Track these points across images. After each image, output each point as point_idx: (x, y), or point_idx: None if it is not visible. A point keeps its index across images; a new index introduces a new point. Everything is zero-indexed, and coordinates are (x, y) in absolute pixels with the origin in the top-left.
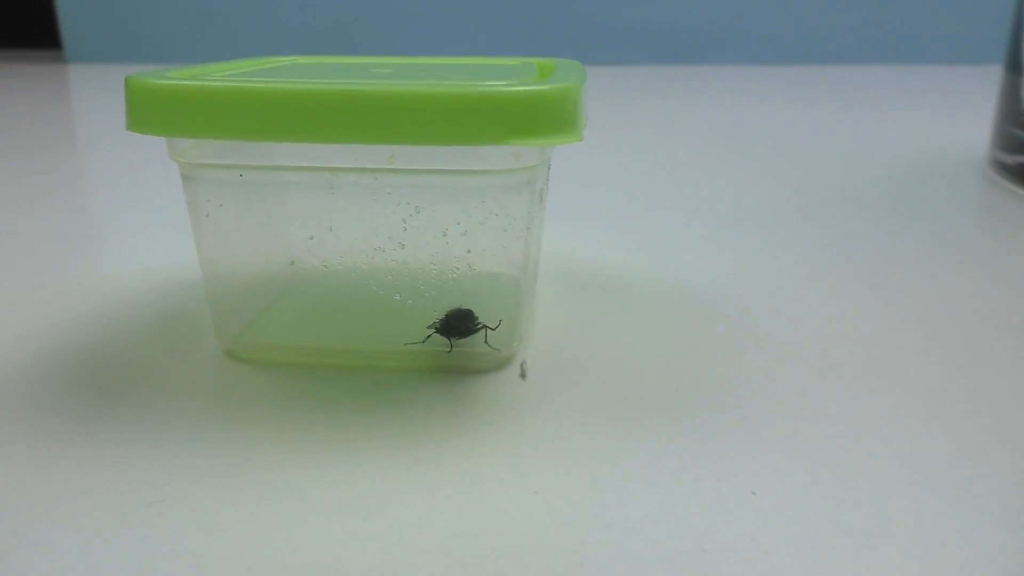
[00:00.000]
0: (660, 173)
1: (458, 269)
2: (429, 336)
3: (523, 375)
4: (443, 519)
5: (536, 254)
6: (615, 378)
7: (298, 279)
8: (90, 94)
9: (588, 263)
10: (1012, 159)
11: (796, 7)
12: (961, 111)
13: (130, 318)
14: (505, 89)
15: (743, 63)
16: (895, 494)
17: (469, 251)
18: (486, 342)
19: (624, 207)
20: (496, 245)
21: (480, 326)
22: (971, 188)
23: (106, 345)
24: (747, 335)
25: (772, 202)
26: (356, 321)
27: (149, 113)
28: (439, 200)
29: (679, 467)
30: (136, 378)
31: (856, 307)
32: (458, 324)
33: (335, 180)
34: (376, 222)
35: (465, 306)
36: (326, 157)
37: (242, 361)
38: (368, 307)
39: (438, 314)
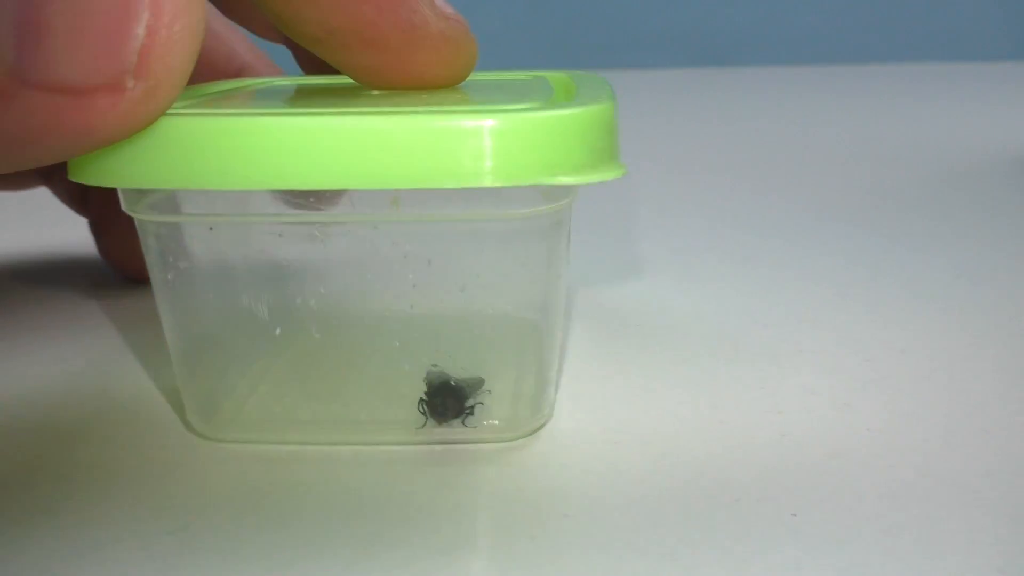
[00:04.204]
0: (685, 176)
1: (479, 329)
2: (424, 424)
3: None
4: None
5: (563, 302)
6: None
7: (284, 349)
8: None
9: (609, 293)
10: None
11: (831, 5)
12: (1007, 108)
13: (79, 392)
14: (535, 114)
15: (775, 64)
16: (947, 516)
17: (492, 308)
18: (464, 423)
19: (647, 214)
20: (523, 298)
21: (474, 403)
22: (1013, 188)
23: (49, 426)
24: (785, 345)
25: (810, 206)
26: (353, 393)
27: (93, 158)
28: (455, 250)
29: (715, 487)
30: (93, 469)
31: (900, 314)
32: (446, 403)
33: (326, 231)
34: (379, 279)
35: (471, 374)
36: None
37: (217, 442)
38: (369, 377)
39: (423, 391)
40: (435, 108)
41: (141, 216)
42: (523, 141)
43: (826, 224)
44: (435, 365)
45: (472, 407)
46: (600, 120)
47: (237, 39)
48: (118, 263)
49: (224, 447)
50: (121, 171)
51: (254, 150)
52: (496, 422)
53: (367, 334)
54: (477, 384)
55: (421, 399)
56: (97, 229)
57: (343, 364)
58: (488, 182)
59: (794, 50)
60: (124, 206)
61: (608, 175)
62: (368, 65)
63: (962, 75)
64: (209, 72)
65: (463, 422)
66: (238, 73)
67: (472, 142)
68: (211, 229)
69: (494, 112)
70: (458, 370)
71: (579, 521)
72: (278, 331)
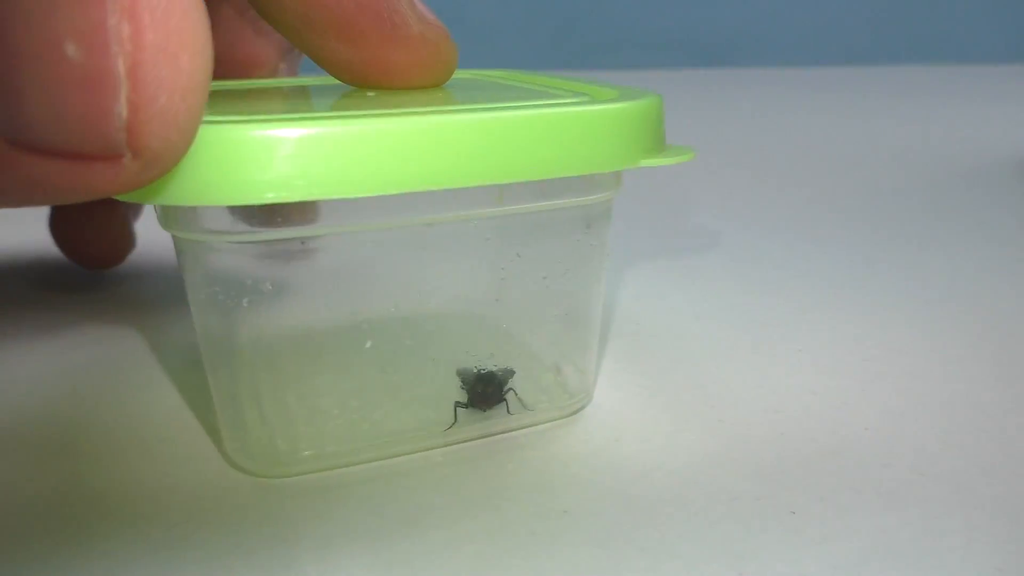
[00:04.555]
0: (683, 177)
1: (555, 315)
2: (452, 424)
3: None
4: None
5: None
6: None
7: (367, 365)
8: None
9: (607, 293)
10: None
11: (829, 7)
12: (1000, 111)
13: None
14: (635, 103)
15: (773, 65)
16: (945, 515)
17: (569, 293)
18: (508, 411)
19: (645, 214)
20: (589, 281)
21: (508, 389)
22: (1012, 191)
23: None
24: (784, 344)
25: (809, 206)
26: (434, 400)
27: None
28: (541, 239)
29: (714, 485)
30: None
31: (898, 315)
32: (487, 391)
33: (429, 233)
34: (471, 276)
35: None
36: (410, 205)
37: (267, 477)
38: (452, 379)
39: (461, 383)
40: (543, 103)
41: (220, 236)
42: (633, 129)
43: (824, 224)
44: (470, 354)
45: (507, 393)
46: (660, 111)
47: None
48: (76, 250)
49: (282, 482)
50: (247, 186)
51: (407, 151)
52: (534, 408)
53: (457, 337)
54: (509, 374)
55: (458, 400)
56: (57, 216)
57: (429, 367)
58: (605, 168)
59: (793, 52)
60: (177, 228)
61: (685, 156)
62: (346, 60)
63: (961, 77)
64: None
65: (508, 410)
66: (244, 60)
67: (595, 131)
68: (303, 244)
69: (608, 104)
70: (488, 363)
71: (578, 517)
72: (368, 344)
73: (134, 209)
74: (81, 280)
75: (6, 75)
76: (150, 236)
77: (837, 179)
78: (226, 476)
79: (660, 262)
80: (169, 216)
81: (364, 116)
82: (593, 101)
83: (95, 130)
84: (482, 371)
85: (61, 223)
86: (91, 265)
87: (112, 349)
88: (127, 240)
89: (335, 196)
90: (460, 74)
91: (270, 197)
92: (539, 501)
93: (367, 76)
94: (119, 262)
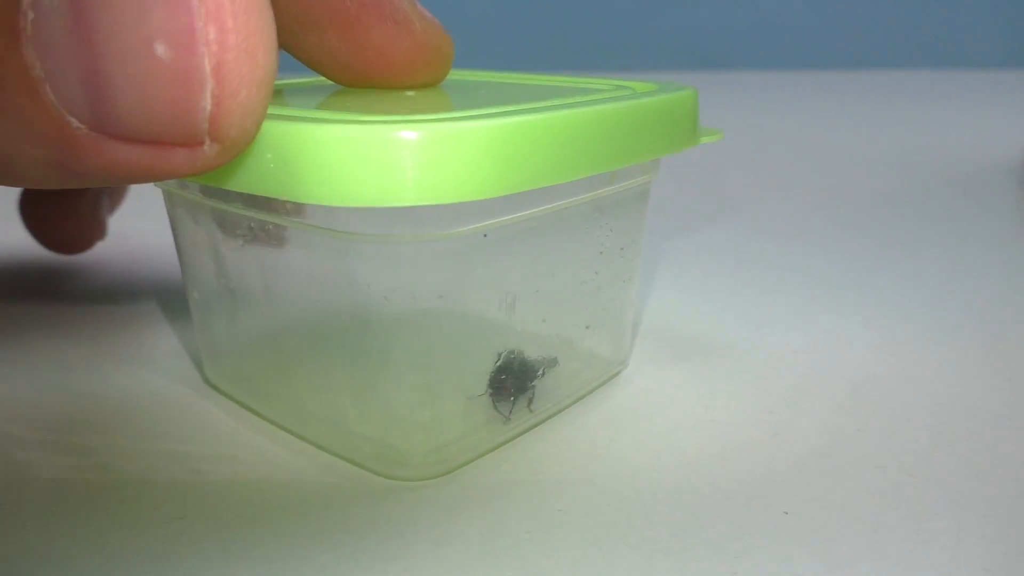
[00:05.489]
0: (681, 178)
1: (623, 284)
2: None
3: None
4: None
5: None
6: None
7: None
8: None
9: None
10: None
11: (824, 10)
12: (995, 116)
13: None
14: (690, 92)
15: (771, 68)
16: (936, 515)
17: (631, 259)
18: (529, 407)
19: None
20: (638, 252)
21: (540, 372)
22: (1006, 195)
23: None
24: (778, 346)
25: (804, 209)
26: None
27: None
28: (624, 216)
29: (708, 485)
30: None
31: (891, 318)
32: (507, 381)
33: (563, 215)
34: (579, 255)
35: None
36: (544, 194)
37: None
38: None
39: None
40: (613, 95)
41: (435, 232)
42: (688, 114)
43: (820, 227)
44: (512, 352)
45: (534, 386)
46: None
47: None
48: (43, 231)
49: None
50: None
51: (562, 143)
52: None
53: (563, 313)
54: (551, 363)
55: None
56: (25, 196)
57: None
58: (677, 148)
59: (790, 56)
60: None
61: (717, 136)
62: (344, 59)
63: (958, 82)
64: None
65: (528, 407)
66: None
67: (673, 117)
68: (485, 236)
69: (673, 92)
70: (535, 350)
71: (572, 516)
72: (511, 352)
73: (109, 200)
74: (66, 276)
75: (95, 70)
76: (151, 237)
77: (833, 182)
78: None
79: (656, 263)
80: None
81: (505, 113)
82: (653, 92)
83: (181, 121)
84: (514, 360)
85: (30, 203)
86: (58, 248)
87: (105, 347)
88: (96, 227)
89: (514, 191)
90: (473, 75)
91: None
92: (533, 500)
93: (366, 74)
94: (86, 248)
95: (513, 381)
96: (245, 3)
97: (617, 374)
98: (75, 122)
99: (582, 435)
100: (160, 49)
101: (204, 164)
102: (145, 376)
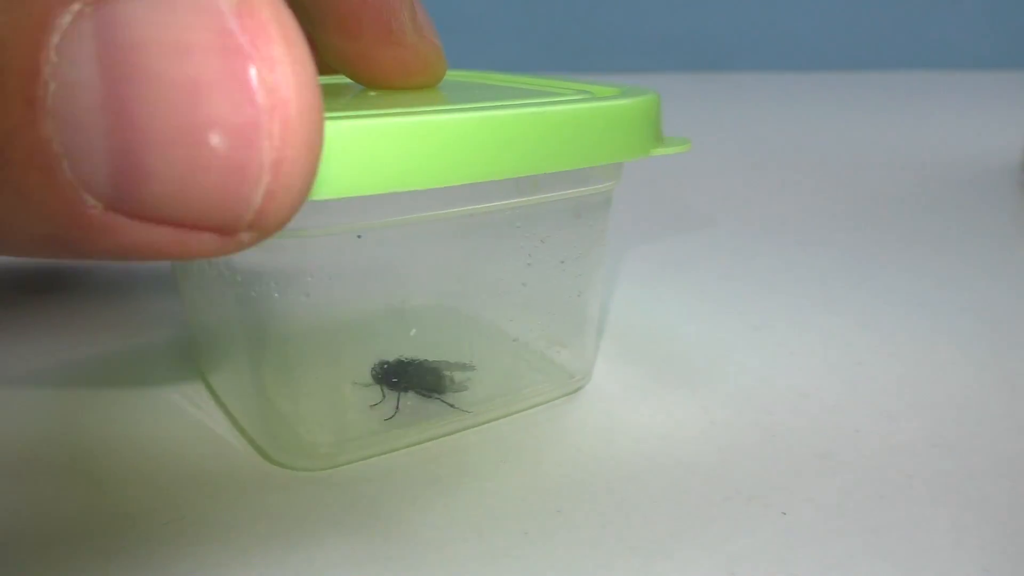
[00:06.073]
0: (679, 179)
1: (572, 298)
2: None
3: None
4: None
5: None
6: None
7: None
8: None
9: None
10: None
11: (824, 12)
12: (995, 116)
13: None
14: (645, 99)
15: (771, 69)
16: (933, 516)
17: (579, 275)
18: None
19: (640, 216)
20: (592, 265)
21: (447, 373)
22: (1005, 195)
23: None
24: (776, 347)
25: (802, 211)
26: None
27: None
28: (560, 226)
29: (706, 486)
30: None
31: (888, 319)
32: (390, 371)
33: (470, 223)
34: (502, 263)
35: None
36: (450, 198)
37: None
38: (495, 360)
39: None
40: (559, 100)
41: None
42: (641, 122)
43: (818, 227)
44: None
45: (449, 385)
46: (660, 104)
47: None
48: None
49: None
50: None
51: (465, 145)
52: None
53: (494, 318)
54: (462, 367)
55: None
56: None
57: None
58: (621, 158)
59: (788, 57)
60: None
61: (683, 147)
62: (340, 55)
63: (956, 83)
64: None
65: (451, 405)
66: None
67: (614, 124)
68: (359, 237)
69: (626, 99)
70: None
71: (571, 517)
72: (413, 333)
73: None
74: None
75: (127, 150)
76: None
77: (831, 183)
78: (256, 468)
79: (653, 263)
80: None
81: (408, 113)
82: (603, 98)
83: (225, 210)
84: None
85: None
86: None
87: (103, 349)
88: None
89: (401, 189)
90: (450, 75)
91: (347, 190)
92: (532, 500)
93: (353, 70)
94: None
95: (404, 375)
96: (310, 101)
97: (581, 388)
98: (90, 200)
99: (578, 436)
100: (215, 140)
101: (233, 249)
102: (145, 377)
